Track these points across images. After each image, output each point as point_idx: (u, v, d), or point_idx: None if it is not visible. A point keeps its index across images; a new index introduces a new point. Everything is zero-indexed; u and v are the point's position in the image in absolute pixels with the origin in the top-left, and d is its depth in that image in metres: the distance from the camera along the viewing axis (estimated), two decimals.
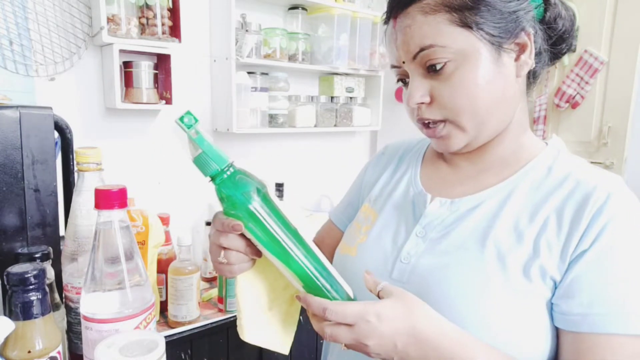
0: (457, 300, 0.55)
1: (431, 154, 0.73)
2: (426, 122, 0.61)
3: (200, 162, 0.48)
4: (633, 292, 0.51)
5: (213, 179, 0.49)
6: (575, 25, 0.64)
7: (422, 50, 0.57)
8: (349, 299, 0.55)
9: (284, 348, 0.60)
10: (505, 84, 0.58)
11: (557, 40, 0.63)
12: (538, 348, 0.54)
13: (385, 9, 0.64)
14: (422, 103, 0.59)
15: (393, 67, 0.63)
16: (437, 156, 0.72)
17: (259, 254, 0.53)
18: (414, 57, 0.58)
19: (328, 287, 0.53)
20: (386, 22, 0.64)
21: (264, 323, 0.58)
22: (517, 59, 0.59)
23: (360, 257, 0.66)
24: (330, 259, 0.63)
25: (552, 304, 0.54)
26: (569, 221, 0.54)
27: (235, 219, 0.49)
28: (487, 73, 0.56)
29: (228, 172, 0.49)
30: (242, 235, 0.52)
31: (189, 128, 0.47)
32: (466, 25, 0.55)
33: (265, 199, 0.50)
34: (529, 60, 0.59)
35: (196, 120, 0.47)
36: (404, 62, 0.60)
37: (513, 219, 0.57)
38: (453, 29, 0.55)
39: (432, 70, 0.57)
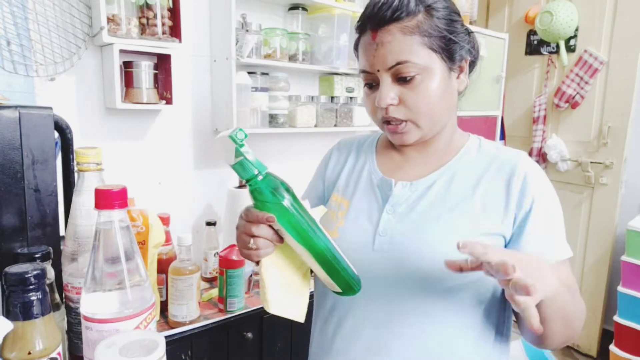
0: (431, 254, 0.71)
1: (382, 146, 0.89)
2: (389, 120, 0.75)
3: (241, 166, 0.58)
4: (557, 233, 0.74)
5: (249, 180, 0.59)
6: (479, 54, 0.82)
7: (398, 64, 0.70)
8: (356, 275, 0.69)
9: (302, 317, 0.72)
10: (452, 95, 0.77)
11: (471, 64, 0.81)
12: (491, 291, 0.74)
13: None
14: (392, 105, 0.73)
15: (364, 72, 0.76)
16: (388, 147, 0.87)
17: (281, 240, 0.64)
18: (390, 68, 0.71)
19: (340, 266, 0.66)
20: (362, 31, 0.75)
21: (284, 297, 0.70)
22: (458, 77, 0.77)
23: (343, 237, 0.79)
24: None
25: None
26: (504, 188, 0.74)
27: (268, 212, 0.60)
28: (442, 86, 0.73)
29: (262, 175, 0.59)
30: (269, 225, 0.62)
31: (239, 142, 0.57)
32: (432, 48, 0.71)
33: (294, 196, 0.61)
34: (465, 79, 0.78)
35: (246, 136, 0.58)
36: (378, 70, 0.73)
37: (461, 190, 0.75)
38: (424, 50, 0.71)
39: (402, 79, 0.72)
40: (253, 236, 0.62)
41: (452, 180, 0.77)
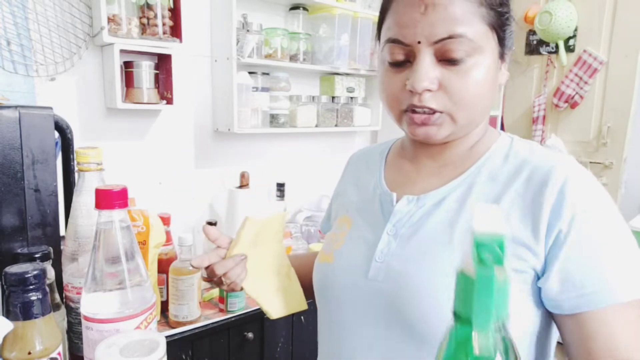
0: (431, 293, 0.56)
1: (394, 155, 0.73)
2: (418, 108, 0.57)
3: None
4: (614, 263, 0.53)
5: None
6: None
7: (450, 37, 0.53)
8: None
9: (303, 306, 0.77)
10: (496, 89, 0.61)
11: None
12: (520, 328, 0.56)
13: None
14: (429, 90, 0.55)
15: (394, 42, 0.56)
16: (399, 156, 0.72)
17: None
18: (437, 42, 0.53)
19: None
20: None
21: (279, 300, 0.75)
22: (500, 68, 0.61)
23: (337, 263, 0.67)
24: None
25: (538, 288, 0.56)
26: (531, 204, 0.55)
27: None
28: (491, 75, 0.57)
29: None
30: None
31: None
32: (491, 25, 0.55)
33: None
34: (506, 72, 0.62)
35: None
36: (419, 42, 0.54)
37: None
38: (482, 24, 0.54)
39: (447, 60, 0.54)
40: (220, 279, 0.71)
41: (468, 196, 0.59)
